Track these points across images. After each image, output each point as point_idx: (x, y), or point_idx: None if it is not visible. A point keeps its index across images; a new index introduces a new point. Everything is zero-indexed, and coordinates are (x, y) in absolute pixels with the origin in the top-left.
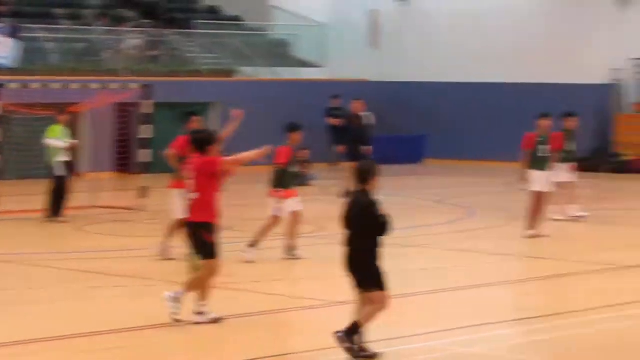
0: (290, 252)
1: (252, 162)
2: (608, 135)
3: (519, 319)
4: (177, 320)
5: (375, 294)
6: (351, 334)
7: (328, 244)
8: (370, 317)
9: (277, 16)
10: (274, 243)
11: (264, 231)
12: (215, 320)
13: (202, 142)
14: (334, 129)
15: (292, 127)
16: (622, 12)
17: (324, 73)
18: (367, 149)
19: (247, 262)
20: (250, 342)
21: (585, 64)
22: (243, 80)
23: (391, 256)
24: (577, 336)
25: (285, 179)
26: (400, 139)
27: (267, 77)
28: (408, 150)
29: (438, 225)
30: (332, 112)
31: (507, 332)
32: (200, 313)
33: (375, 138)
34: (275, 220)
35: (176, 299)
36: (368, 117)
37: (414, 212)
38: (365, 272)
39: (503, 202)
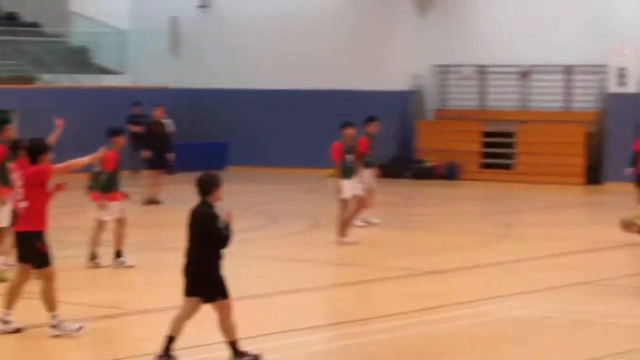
0: (118, 259)
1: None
2: (410, 142)
3: (326, 325)
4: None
5: (221, 303)
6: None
7: (131, 252)
8: (231, 326)
9: (77, 22)
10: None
11: (95, 239)
12: (17, 330)
13: (37, 151)
14: (135, 136)
15: (115, 131)
16: (422, 18)
17: (125, 80)
18: (169, 156)
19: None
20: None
21: (387, 71)
22: (43, 87)
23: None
24: (382, 341)
25: (111, 184)
26: (201, 146)
27: (68, 84)
28: (210, 158)
29: (243, 233)
30: (133, 120)
31: (313, 337)
32: (5, 322)
33: (176, 145)
34: (101, 225)
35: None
36: (168, 124)
37: None
38: (208, 282)
39: (306, 209)
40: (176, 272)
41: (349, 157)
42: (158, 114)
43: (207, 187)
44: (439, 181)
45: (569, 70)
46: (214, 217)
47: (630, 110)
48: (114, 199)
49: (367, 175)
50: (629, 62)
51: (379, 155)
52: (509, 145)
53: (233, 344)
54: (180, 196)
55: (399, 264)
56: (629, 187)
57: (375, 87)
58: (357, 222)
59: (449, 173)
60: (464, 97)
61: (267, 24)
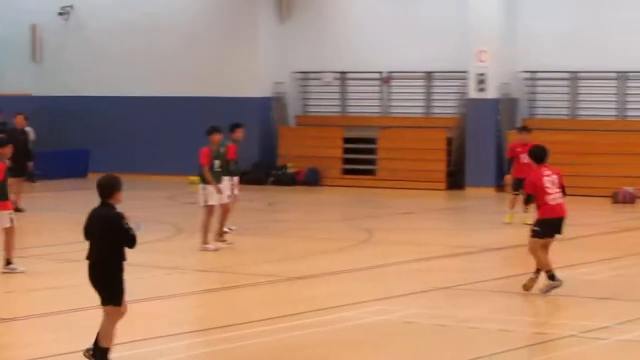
0: (8, 265)
1: None
2: (272, 148)
3: (189, 332)
4: None
5: (112, 309)
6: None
7: None
8: (108, 335)
9: None
10: None
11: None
12: None
13: None
14: None
15: (1, 143)
16: (283, 25)
17: None
18: (29, 164)
19: None
20: None
21: (249, 78)
22: None
23: (51, 272)
24: (246, 347)
25: (2, 194)
26: (63, 153)
27: None
28: (72, 165)
29: None
30: None
31: (177, 345)
32: None
33: (38, 153)
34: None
35: None
36: (29, 132)
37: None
38: (107, 285)
39: (169, 216)
40: (46, 278)
41: (217, 163)
42: (19, 121)
43: (109, 190)
44: (302, 187)
45: (429, 76)
46: (120, 217)
47: (490, 115)
48: (5, 208)
49: (234, 182)
50: (488, 68)
51: (246, 162)
52: (370, 151)
53: (104, 352)
54: (41, 204)
55: (264, 271)
56: (490, 191)
57: (238, 93)
58: (225, 229)
59: (312, 179)
60: (325, 103)
61: (128, 31)
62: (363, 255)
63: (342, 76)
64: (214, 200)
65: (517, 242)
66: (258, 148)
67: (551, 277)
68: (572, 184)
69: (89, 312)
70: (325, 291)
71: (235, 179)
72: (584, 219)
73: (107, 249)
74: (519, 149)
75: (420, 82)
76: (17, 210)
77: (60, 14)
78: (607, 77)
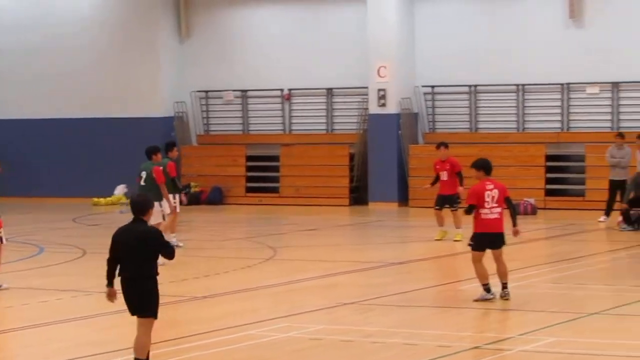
0: None
1: None
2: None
3: (91, 355)
4: None
5: (148, 321)
6: None
7: None
8: (144, 346)
9: None
10: None
11: None
12: None
13: None
14: None
15: None
16: (183, 45)
17: None
18: None
19: None
20: None
21: (151, 98)
22: None
23: None
24: None
25: None
26: None
27: None
28: None
29: (9, 264)
30: None
31: None
32: None
33: None
34: None
35: None
36: None
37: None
38: (150, 298)
39: (73, 238)
40: None
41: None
42: None
43: (146, 207)
44: (206, 206)
45: (330, 92)
46: (160, 233)
47: (391, 130)
48: None
49: (177, 199)
50: (388, 83)
51: None
52: (274, 169)
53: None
54: None
55: (169, 291)
56: (393, 206)
57: (141, 114)
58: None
59: (215, 198)
60: (227, 122)
61: (31, 54)
62: (268, 273)
63: (244, 94)
64: (154, 219)
65: (420, 257)
66: None
67: (487, 290)
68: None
69: None
70: (231, 310)
71: (177, 195)
72: None
73: (147, 264)
74: (437, 166)
75: (322, 99)
76: None
77: None
78: (505, 91)
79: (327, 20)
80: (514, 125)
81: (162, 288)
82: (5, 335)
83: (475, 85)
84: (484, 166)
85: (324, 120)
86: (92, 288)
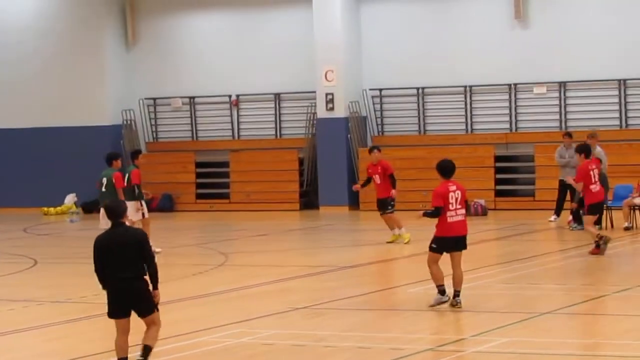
0: None
1: None
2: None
3: None
4: None
5: (156, 315)
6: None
7: None
8: (156, 337)
9: None
10: None
11: None
12: None
13: None
14: None
15: None
16: (129, 53)
17: None
18: None
19: None
20: None
21: (98, 106)
22: None
23: None
24: None
25: None
26: None
27: None
28: None
29: None
30: None
31: None
32: None
33: None
34: None
35: None
36: None
37: None
38: (146, 299)
39: (24, 248)
40: None
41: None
42: None
43: (122, 211)
44: (156, 214)
45: (278, 97)
46: (146, 236)
47: (340, 133)
48: None
49: (142, 205)
50: (336, 87)
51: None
52: (223, 175)
53: (149, 350)
54: None
55: None
56: (344, 210)
57: (88, 122)
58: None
59: (165, 205)
60: (176, 129)
61: None
62: (219, 279)
63: (191, 101)
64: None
65: (372, 260)
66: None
67: (441, 292)
68: (422, 200)
69: None
70: (183, 316)
71: (143, 202)
72: None
73: (141, 264)
74: (370, 170)
75: (270, 104)
76: None
77: None
78: (453, 92)
79: (274, 25)
80: (462, 127)
81: None
82: None
83: (423, 88)
84: (441, 168)
85: (273, 126)
86: (43, 298)
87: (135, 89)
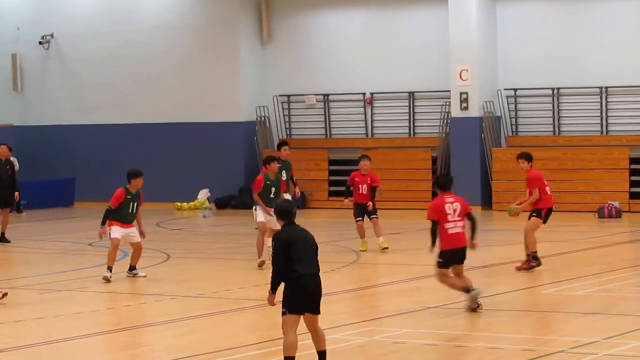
0: None
1: None
2: (257, 173)
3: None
4: None
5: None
6: None
7: None
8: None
9: None
10: None
11: None
12: None
13: None
14: None
15: None
16: (264, 50)
17: None
18: (15, 194)
19: None
20: None
21: (232, 102)
22: None
23: (37, 303)
24: None
25: None
26: (48, 183)
27: None
28: (57, 194)
29: (92, 268)
30: None
31: None
32: None
33: (24, 183)
34: None
35: None
36: (13, 162)
37: (66, 255)
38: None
39: (157, 243)
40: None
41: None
42: (2, 152)
43: (294, 211)
44: None
45: (412, 96)
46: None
47: (474, 133)
48: None
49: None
50: (470, 87)
51: (229, 186)
52: None
53: (324, 353)
54: (27, 234)
55: (254, 295)
56: (476, 210)
57: (222, 119)
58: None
59: (298, 202)
60: (309, 126)
61: (109, 59)
62: (350, 276)
63: (326, 98)
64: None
65: (503, 260)
66: (244, 173)
67: (466, 290)
68: (556, 200)
69: (72, 343)
70: None
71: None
72: (569, 234)
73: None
74: (357, 179)
75: (404, 103)
76: (4, 240)
77: (41, 43)
78: (589, 93)
79: (408, 23)
80: (597, 128)
81: (248, 292)
82: (87, 340)
83: (558, 88)
84: (437, 183)
85: (406, 124)
86: (176, 292)
87: (270, 85)
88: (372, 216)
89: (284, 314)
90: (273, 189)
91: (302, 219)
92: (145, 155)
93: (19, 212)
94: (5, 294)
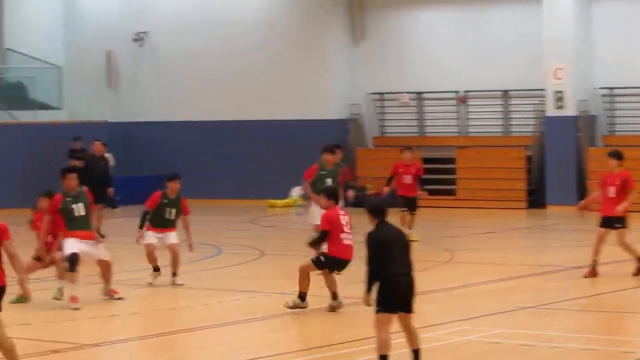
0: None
1: None
2: (351, 170)
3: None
4: None
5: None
6: None
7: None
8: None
9: (12, 59)
10: None
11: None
12: None
13: None
14: (77, 171)
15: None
16: (356, 48)
17: (62, 115)
18: (109, 190)
19: None
20: None
21: (324, 100)
22: None
23: (131, 298)
24: None
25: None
26: (141, 179)
27: (6, 121)
28: (152, 190)
29: (189, 264)
30: (74, 155)
31: None
32: None
33: (116, 179)
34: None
35: None
36: (108, 158)
37: (164, 251)
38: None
39: (251, 240)
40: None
41: (329, 181)
42: (97, 148)
43: (387, 209)
44: None
45: (506, 95)
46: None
47: (569, 132)
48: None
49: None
50: (565, 85)
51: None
52: (449, 171)
53: (418, 352)
54: (122, 230)
55: (344, 293)
56: (571, 209)
57: (314, 116)
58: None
59: (389, 200)
60: (402, 124)
61: (203, 56)
62: (444, 276)
63: (419, 96)
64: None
65: (601, 260)
66: None
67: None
68: None
69: (173, 337)
70: None
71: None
72: None
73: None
74: (401, 170)
75: (497, 101)
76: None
77: (135, 40)
78: None
79: (501, 20)
80: None
81: (341, 290)
82: (179, 335)
83: None
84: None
85: (500, 123)
86: (269, 289)
87: (362, 83)
88: (412, 212)
89: (377, 312)
90: (329, 180)
91: (394, 217)
92: (237, 152)
93: (114, 207)
94: (120, 298)
